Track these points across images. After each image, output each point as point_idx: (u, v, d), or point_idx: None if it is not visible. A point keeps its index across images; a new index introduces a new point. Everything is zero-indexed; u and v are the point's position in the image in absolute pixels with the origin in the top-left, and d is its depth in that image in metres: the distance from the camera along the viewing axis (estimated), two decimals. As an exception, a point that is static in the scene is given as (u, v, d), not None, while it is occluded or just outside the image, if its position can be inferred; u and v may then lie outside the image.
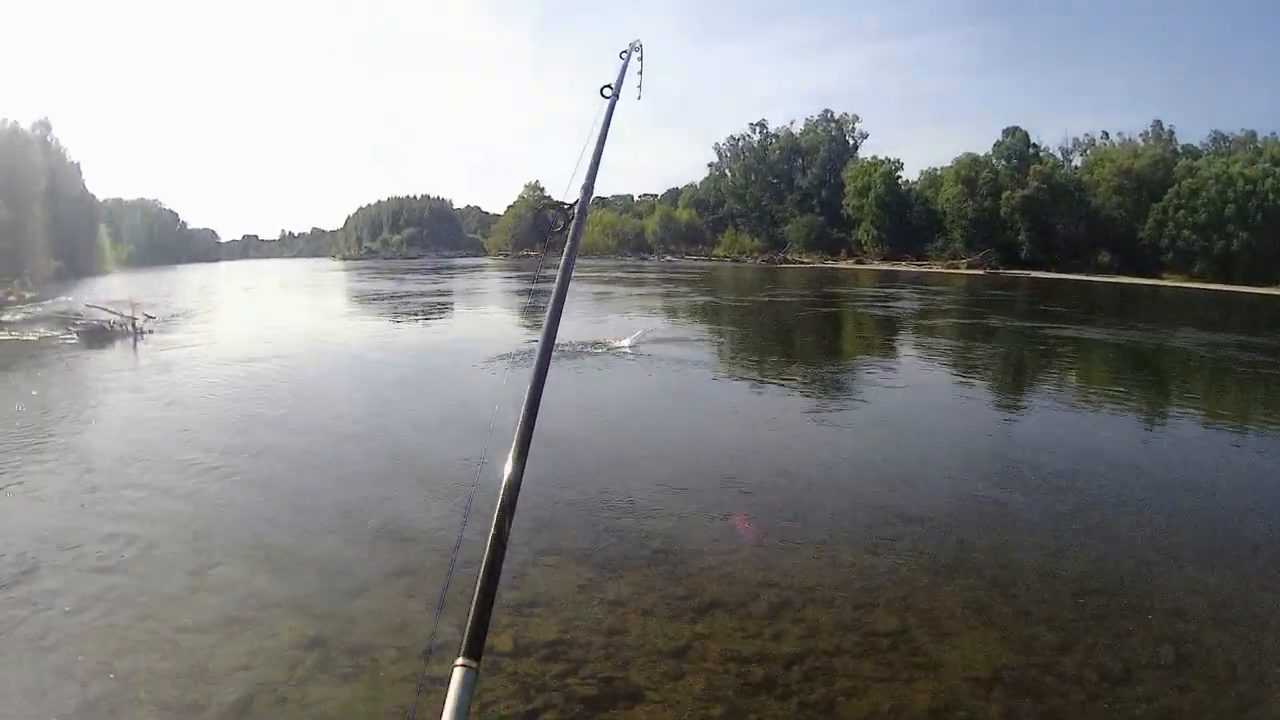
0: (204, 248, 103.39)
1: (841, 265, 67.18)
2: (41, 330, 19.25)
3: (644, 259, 78.90)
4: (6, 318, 22.31)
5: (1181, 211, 55.09)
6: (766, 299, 33.16)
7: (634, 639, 4.52)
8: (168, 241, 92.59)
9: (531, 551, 5.72)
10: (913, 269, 61.51)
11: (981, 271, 57.55)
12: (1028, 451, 8.90)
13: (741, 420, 10.51)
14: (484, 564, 1.46)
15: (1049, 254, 60.59)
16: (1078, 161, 67.95)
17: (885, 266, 64.12)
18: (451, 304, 31.56)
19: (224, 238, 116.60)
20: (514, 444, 1.65)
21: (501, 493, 1.58)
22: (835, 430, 10.05)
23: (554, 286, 2.02)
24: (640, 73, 2.97)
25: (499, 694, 4.00)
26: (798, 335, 21.85)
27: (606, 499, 6.85)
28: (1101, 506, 7.02)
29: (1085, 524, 6.55)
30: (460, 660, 1.32)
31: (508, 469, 1.61)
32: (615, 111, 2.62)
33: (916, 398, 12.35)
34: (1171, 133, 64.99)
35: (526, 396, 1.75)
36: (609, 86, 2.65)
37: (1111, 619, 4.90)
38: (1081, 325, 23.80)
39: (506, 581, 5.15)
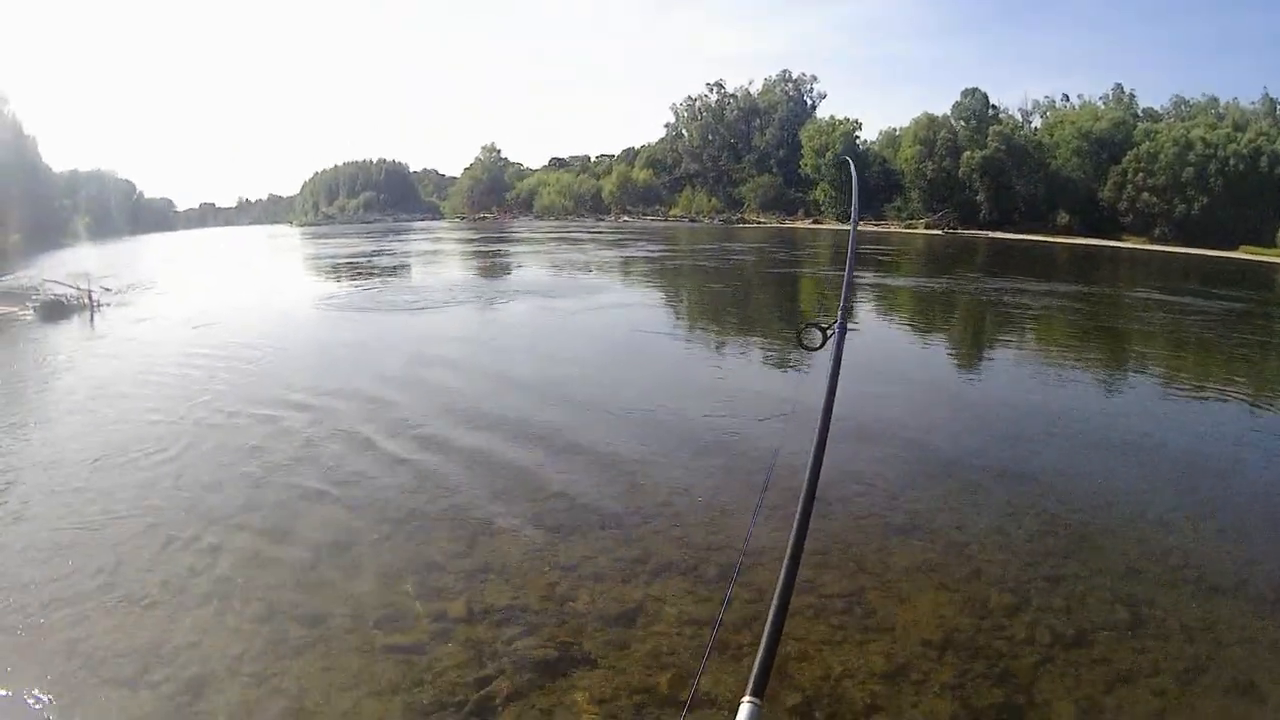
0: (161, 217, 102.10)
1: (799, 225, 67.11)
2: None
3: (600, 219, 78.37)
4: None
5: (1140, 174, 54.73)
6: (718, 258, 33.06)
7: (583, 605, 4.60)
8: (125, 212, 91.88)
9: (486, 514, 5.79)
10: (870, 228, 61.73)
11: (940, 232, 57.69)
12: (982, 412, 9.04)
13: (690, 380, 10.50)
14: (773, 605, 1.56)
15: (1008, 215, 60.49)
16: (1037, 123, 67.62)
17: (843, 226, 64.13)
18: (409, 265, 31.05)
19: (180, 206, 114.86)
20: (802, 493, 1.83)
21: (792, 537, 1.75)
22: (784, 387, 10.13)
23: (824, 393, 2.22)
24: None
25: (449, 662, 4.05)
26: (755, 292, 21.96)
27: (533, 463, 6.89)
28: (1056, 466, 6.98)
29: (1040, 485, 6.51)
30: (748, 697, 1.38)
31: (796, 517, 1.78)
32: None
33: (870, 358, 12.42)
34: (1132, 96, 64.97)
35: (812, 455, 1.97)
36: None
37: (1065, 581, 4.88)
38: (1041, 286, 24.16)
39: (460, 548, 5.22)
